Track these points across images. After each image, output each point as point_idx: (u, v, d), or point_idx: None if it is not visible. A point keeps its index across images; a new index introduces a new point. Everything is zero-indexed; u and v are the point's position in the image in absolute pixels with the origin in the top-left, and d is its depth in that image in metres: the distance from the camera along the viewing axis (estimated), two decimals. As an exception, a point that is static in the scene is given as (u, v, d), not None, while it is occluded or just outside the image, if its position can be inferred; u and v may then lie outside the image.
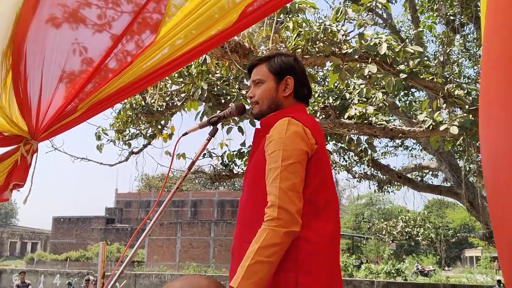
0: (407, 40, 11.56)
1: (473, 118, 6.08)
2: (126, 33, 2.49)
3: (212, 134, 2.20)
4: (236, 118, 6.95)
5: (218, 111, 2.01)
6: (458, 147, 11.15)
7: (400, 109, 9.56)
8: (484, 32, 1.68)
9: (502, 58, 1.61)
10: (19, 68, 2.42)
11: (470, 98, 6.19)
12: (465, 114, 6.22)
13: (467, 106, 6.11)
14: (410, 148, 15.31)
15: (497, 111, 1.72)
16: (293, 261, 1.86)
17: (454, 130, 5.99)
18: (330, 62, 5.93)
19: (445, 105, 6.24)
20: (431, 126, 6.45)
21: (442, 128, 6.21)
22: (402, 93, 11.80)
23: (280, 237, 1.81)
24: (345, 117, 6.95)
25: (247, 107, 6.90)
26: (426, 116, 6.60)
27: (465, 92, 6.12)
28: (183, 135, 2.27)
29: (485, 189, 1.93)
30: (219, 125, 2.36)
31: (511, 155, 1.57)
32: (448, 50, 10.04)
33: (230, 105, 2.25)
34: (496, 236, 1.81)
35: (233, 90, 6.98)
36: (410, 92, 12.30)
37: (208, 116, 6.50)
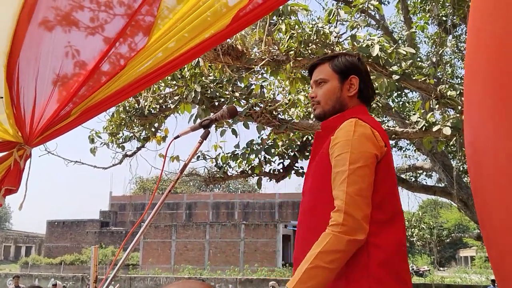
0: (399, 41, 11.60)
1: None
2: (119, 36, 2.49)
3: (204, 137, 2.17)
4: (229, 120, 6.96)
5: (212, 114, 2.01)
6: (452, 147, 11.19)
7: (393, 110, 9.58)
8: (468, 39, 1.70)
9: (483, 63, 1.63)
10: (12, 75, 2.41)
11: (463, 99, 6.22)
12: (457, 115, 6.25)
13: (459, 107, 6.14)
14: (404, 149, 15.36)
15: (476, 112, 1.75)
16: (364, 269, 1.79)
17: (447, 130, 6.02)
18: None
19: (437, 106, 6.27)
20: (424, 127, 6.47)
21: (435, 129, 6.23)
22: (395, 94, 11.84)
23: (344, 245, 1.74)
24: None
25: (240, 109, 6.89)
26: (419, 117, 6.62)
27: (458, 92, 6.15)
28: (175, 138, 2.25)
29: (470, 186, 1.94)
30: (212, 128, 2.34)
31: (489, 153, 1.59)
32: (441, 51, 10.08)
33: (223, 108, 2.21)
34: (483, 232, 1.83)
35: (227, 93, 6.98)
36: (403, 93, 12.34)
37: (201, 118, 6.50)
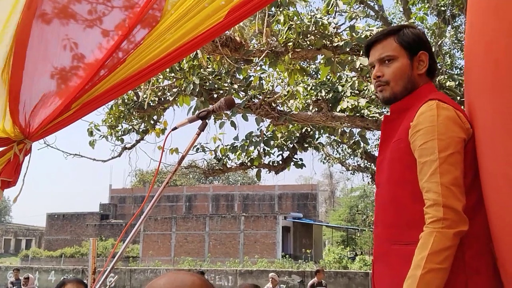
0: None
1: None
2: (118, 29, 2.49)
3: (202, 128, 2.14)
4: (228, 112, 6.95)
5: (210, 106, 2.02)
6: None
7: (392, 101, 9.56)
8: (466, 31, 1.70)
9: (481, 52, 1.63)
10: (16, 71, 2.41)
11: (462, 89, 6.22)
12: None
13: (458, 97, 6.14)
14: (403, 140, 15.37)
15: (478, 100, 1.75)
16: (460, 261, 1.67)
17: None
18: (321, 55, 5.93)
19: (436, 96, 6.26)
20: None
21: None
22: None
23: (451, 239, 1.61)
24: (338, 110, 6.96)
25: (238, 101, 6.87)
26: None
27: (457, 83, 6.14)
28: (173, 129, 2.23)
29: None
30: (211, 120, 2.32)
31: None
32: (440, 41, 10.05)
33: (220, 99, 2.17)
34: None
35: (225, 85, 6.98)
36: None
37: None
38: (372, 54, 2.03)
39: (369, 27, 5.93)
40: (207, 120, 2.16)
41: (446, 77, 6.21)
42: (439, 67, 7.64)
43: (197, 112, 2.19)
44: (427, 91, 1.90)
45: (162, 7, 2.50)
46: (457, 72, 12.23)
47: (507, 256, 1.61)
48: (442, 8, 10.27)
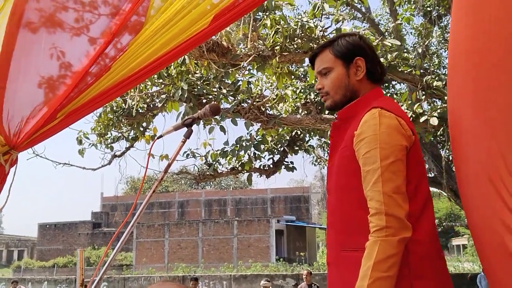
0: (386, 34, 11.63)
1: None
2: (104, 36, 2.48)
3: (187, 136, 2.13)
4: (217, 117, 6.94)
5: (196, 113, 2.01)
6: (440, 137, 11.25)
7: (381, 102, 9.60)
8: (451, 31, 1.71)
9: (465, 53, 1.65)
10: (2, 82, 2.39)
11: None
12: (444, 105, 6.28)
13: (445, 97, 6.17)
14: (393, 140, 15.39)
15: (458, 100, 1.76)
16: (405, 266, 1.69)
17: (434, 121, 6.05)
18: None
19: (424, 96, 6.30)
20: (411, 118, 6.50)
21: (422, 119, 6.26)
22: (383, 86, 11.87)
23: (395, 247, 1.64)
24: (326, 112, 6.97)
25: (227, 105, 6.86)
26: (406, 108, 6.65)
27: (444, 83, 6.17)
28: (158, 138, 2.22)
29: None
30: (200, 125, 2.32)
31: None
32: (427, 41, 10.11)
33: (205, 106, 2.16)
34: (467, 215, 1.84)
35: (214, 90, 6.97)
36: (390, 85, 12.37)
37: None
38: (315, 67, 2.08)
39: (355, 29, 5.94)
40: (192, 127, 2.15)
41: (433, 77, 6.23)
42: (426, 67, 7.68)
43: (182, 119, 2.18)
44: (371, 98, 1.93)
45: (146, 13, 2.49)
46: (445, 72, 12.32)
47: (491, 257, 1.62)
48: (428, 9, 10.34)
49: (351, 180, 1.83)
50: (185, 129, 2.15)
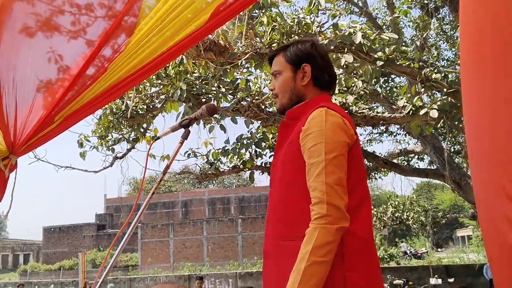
0: (384, 27, 11.61)
1: (452, 101, 6.13)
2: (101, 38, 2.48)
3: (185, 136, 2.15)
4: (217, 116, 6.94)
5: (193, 114, 2.03)
6: (442, 129, 11.24)
7: (381, 95, 9.61)
8: (460, 22, 1.71)
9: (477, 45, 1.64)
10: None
11: (448, 81, 6.24)
12: (444, 97, 6.28)
13: (445, 89, 6.16)
14: (394, 134, 15.37)
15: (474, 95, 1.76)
16: (339, 257, 1.79)
17: (434, 113, 6.04)
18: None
19: (423, 89, 6.29)
20: (411, 111, 6.49)
21: (422, 112, 6.25)
22: (382, 80, 11.86)
23: (333, 235, 1.74)
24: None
25: (226, 104, 6.85)
26: (406, 102, 6.64)
27: (442, 75, 6.16)
28: (155, 140, 2.24)
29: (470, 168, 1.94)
30: (201, 124, 2.33)
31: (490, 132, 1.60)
32: (425, 34, 10.10)
33: (202, 106, 2.19)
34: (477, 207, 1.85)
35: (213, 89, 6.96)
36: (390, 78, 12.36)
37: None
38: (271, 68, 2.22)
39: (352, 23, 5.93)
40: (190, 128, 2.16)
41: (432, 70, 6.22)
42: (425, 59, 7.67)
43: (179, 120, 2.19)
44: (318, 101, 2.03)
45: (138, 13, 2.49)
46: (444, 64, 12.29)
47: (492, 248, 1.62)
48: (425, 1, 10.31)
49: (296, 174, 1.93)
50: (182, 130, 2.16)
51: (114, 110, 8.17)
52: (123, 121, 8.21)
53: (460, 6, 1.78)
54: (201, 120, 2.26)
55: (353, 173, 1.89)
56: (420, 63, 6.88)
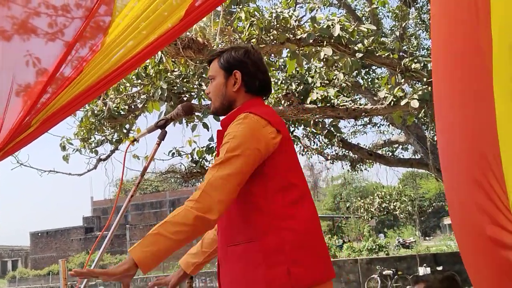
0: (363, 18, 11.64)
1: (432, 90, 6.16)
2: (79, 39, 2.46)
3: (162, 137, 2.16)
4: (199, 114, 6.91)
5: (168, 114, 2.03)
6: (424, 118, 11.32)
7: (363, 87, 9.64)
8: (432, 15, 1.73)
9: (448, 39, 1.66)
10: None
11: (428, 70, 6.28)
12: (424, 87, 6.31)
13: (425, 79, 6.20)
14: (378, 125, 15.45)
15: (445, 88, 1.77)
16: (281, 253, 1.84)
17: (415, 103, 6.08)
18: (286, 49, 5.93)
19: (403, 80, 6.32)
20: (392, 102, 6.52)
21: (403, 103, 6.29)
22: (363, 72, 11.90)
23: (191, 220, 1.76)
24: (308, 102, 6.97)
25: (208, 102, 6.84)
26: (386, 93, 6.67)
27: (422, 65, 6.19)
28: (132, 141, 2.24)
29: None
30: (183, 123, 2.32)
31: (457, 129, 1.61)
32: (404, 24, 10.14)
33: (177, 106, 2.21)
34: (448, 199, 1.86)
35: (194, 87, 6.93)
36: (371, 70, 12.40)
37: (170, 115, 6.43)
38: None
39: (331, 16, 5.93)
40: (166, 129, 2.16)
41: (411, 59, 6.25)
42: (406, 49, 7.71)
43: (155, 121, 2.19)
44: (248, 106, 2.08)
45: (112, 11, 2.48)
46: (424, 53, 12.36)
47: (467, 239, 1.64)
48: (403, -9, 10.34)
49: None
50: (159, 131, 2.16)
51: (96, 111, 8.09)
52: (105, 123, 8.14)
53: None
54: (181, 119, 2.27)
55: (288, 172, 1.96)
56: (400, 54, 6.92)
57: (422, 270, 16.83)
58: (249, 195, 1.93)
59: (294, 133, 10.56)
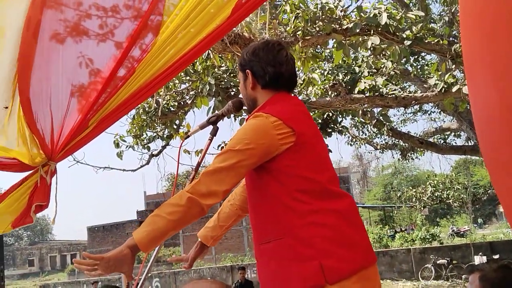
0: (410, 5, 11.38)
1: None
2: (129, 39, 2.51)
3: (214, 133, 2.22)
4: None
5: (219, 111, 2.09)
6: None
7: (412, 74, 9.45)
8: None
9: (480, 20, 1.61)
10: (25, 96, 2.45)
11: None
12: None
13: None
14: (429, 112, 15.11)
15: (479, 73, 1.72)
16: (311, 248, 1.87)
17: (467, 89, 5.92)
18: (332, 40, 5.89)
19: (454, 66, 6.16)
20: (443, 89, 6.38)
21: (454, 89, 6.14)
22: (412, 59, 11.65)
23: (184, 201, 1.86)
24: (356, 91, 6.90)
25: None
26: (437, 79, 6.52)
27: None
28: (185, 138, 2.30)
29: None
30: (231, 117, 2.39)
31: (497, 113, 1.57)
32: (453, 8, 9.86)
33: (228, 102, 2.27)
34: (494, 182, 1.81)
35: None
36: (420, 56, 12.13)
37: (219, 110, 6.51)
38: None
39: (377, 4, 5.85)
40: (217, 125, 2.21)
41: (460, 45, 6.08)
42: (455, 34, 7.50)
43: (207, 117, 2.24)
44: (266, 105, 2.11)
45: (163, 12, 2.52)
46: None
47: None
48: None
49: (258, 178, 2.03)
50: (211, 127, 2.21)
51: (147, 109, 8.28)
52: (156, 119, 8.32)
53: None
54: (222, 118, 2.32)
55: (308, 168, 1.97)
56: (450, 39, 6.74)
57: (478, 259, 16.39)
58: (272, 194, 1.97)
59: (342, 123, 10.50)
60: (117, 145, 8.95)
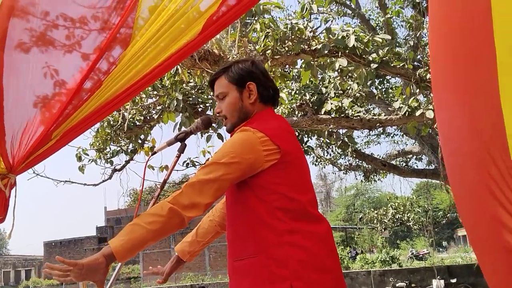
0: (377, 28, 11.64)
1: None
2: (97, 51, 2.47)
3: (181, 150, 2.19)
4: (214, 125, 6.94)
5: (188, 128, 2.07)
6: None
7: (377, 97, 9.63)
8: (429, 22, 1.71)
9: (447, 46, 1.64)
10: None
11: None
12: (439, 97, 6.27)
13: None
14: (392, 135, 15.39)
15: (445, 95, 1.75)
16: (285, 269, 1.86)
17: (430, 114, 6.06)
18: (301, 60, 5.95)
19: (418, 90, 6.31)
20: (407, 112, 6.50)
21: (418, 113, 6.27)
22: (377, 81, 11.88)
23: (165, 211, 1.83)
24: (322, 112, 6.97)
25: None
26: (401, 103, 6.65)
27: (437, 75, 6.16)
28: (152, 154, 2.28)
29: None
30: (198, 133, 2.37)
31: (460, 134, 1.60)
32: (418, 33, 10.12)
33: (196, 120, 2.25)
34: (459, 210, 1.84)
35: (209, 97, 6.97)
36: (385, 80, 12.38)
37: (186, 126, 6.48)
38: (214, 92, 2.28)
39: (346, 26, 5.95)
40: (185, 142, 2.18)
41: (426, 70, 6.24)
42: (420, 59, 7.69)
43: (175, 134, 2.21)
44: (257, 118, 2.12)
45: (132, 25, 2.50)
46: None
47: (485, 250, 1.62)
48: (417, 0, 10.33)
49: (235, 194, 2.03)
50: (179, 144, 2.18)
51: (112, 122, 8.16)
52: (120, 133, 8.19)
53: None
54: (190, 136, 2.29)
55: (290, 187, 1.96)
56: (415, 63, 6.90)
57: (436, 283, 16.62)
58: (252, 210, 1.96)
59: (308, 143, 10.56)
60: (79, 159, 8.77)
